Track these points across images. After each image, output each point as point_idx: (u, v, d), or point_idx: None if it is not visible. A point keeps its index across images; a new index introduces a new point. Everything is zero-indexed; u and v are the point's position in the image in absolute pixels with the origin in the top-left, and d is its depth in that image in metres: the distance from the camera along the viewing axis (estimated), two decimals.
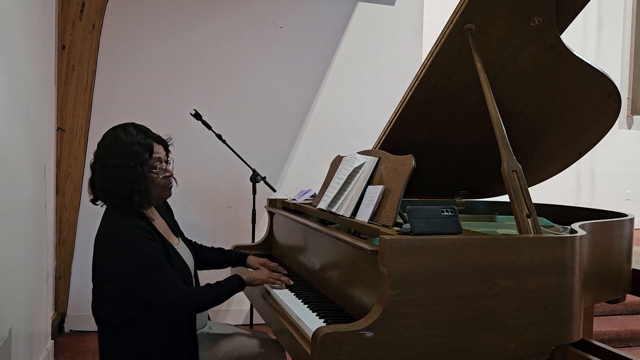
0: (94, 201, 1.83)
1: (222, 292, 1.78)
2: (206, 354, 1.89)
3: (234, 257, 2.22)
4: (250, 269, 2.18)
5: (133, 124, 1.81)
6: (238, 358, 1.91)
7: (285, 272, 2.13)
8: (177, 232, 2.01)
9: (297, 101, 4.06)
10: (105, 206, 1.83)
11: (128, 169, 1.71)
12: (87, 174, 1.85)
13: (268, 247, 2.73)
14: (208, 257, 2.18)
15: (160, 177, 1.78)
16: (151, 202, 1.83)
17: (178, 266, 1.80)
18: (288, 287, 2.02)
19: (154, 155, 1.77)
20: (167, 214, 2.02)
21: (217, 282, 1.81)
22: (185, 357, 1.79)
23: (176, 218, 2.08)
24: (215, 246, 2.27)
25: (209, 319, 2.09)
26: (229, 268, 2.35)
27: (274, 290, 1.99)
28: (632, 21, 7.26)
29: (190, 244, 2.07)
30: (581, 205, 2.86)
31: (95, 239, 1.76)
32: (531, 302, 1.56)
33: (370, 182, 1.95)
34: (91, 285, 1.79)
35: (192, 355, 1.82)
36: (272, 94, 3.99)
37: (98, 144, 1.79)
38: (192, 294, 1.74)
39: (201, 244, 2.21)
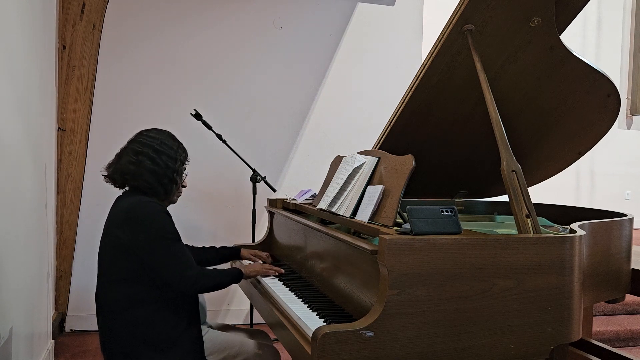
0: (119, 185, 1.90)
1: (225, 278, 1.93)
2: (206, 352, 1.91)
3: (228, 252, 2.38)
4: (247, 263, 2.37)
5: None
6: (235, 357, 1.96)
7: (271, 260, 2.42)
8: None
9: (297, 101, 4.07)
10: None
11: (175, 163, 1.90)
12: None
13: (268, 247, 2.73)
14: (206, 258, 2.28)
15: (181, 185, 1.98)
16: (164, 200, 1.94)
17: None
18: (288, 286, 2.05)
19: (185, 165, 1.98)
20: None
21: (221, 269, 1.96)
22: (188, 348, 1.81)
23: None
24: (216, 246, 2.33)
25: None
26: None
27: (270, 287, 2.06)
28: (632, 21, 7.26)
29: None
30: (581, 205, 2.87)
31: (110, 216, 1.85)
32: (531, 302, 1.56)
33: (370, 182, 1.96)
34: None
35: (197, 347, 1.84)
36: (272, 94, 3.99)
37: (142, 135, 1.92)
38: (204, 273, 1.85)
39: (192, 245, 2.27)
